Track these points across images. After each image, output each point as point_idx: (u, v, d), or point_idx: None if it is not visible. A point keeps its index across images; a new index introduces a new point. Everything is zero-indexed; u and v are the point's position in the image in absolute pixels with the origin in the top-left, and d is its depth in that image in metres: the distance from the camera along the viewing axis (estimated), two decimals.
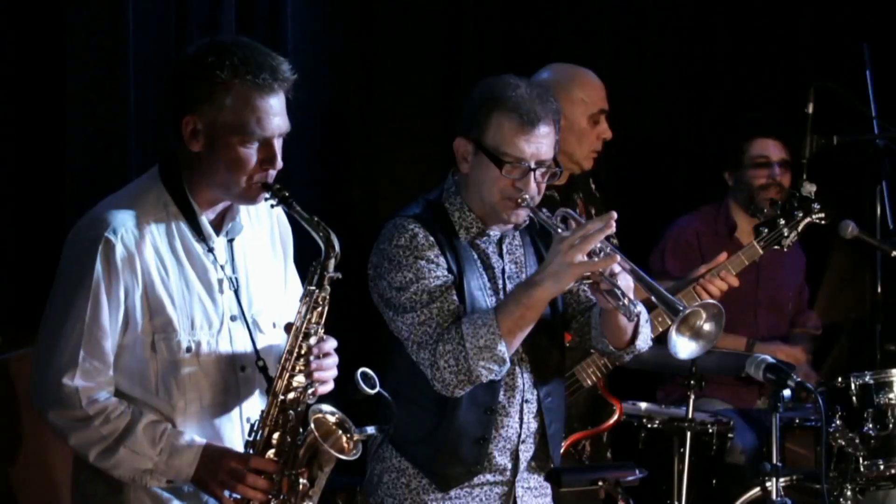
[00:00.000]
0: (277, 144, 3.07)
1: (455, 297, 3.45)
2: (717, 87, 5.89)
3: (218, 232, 3.15)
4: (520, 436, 3.57)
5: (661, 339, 3.70)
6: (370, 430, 3.13)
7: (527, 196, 3.44)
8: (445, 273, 3.47)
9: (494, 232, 3.57)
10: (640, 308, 3.46)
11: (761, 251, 4.39)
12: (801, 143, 4.82)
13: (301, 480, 3.06)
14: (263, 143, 3.05)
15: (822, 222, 4.39)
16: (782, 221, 4.35)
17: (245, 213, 3.23)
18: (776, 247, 4.38)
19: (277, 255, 3.30)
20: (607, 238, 3.36)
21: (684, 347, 3.37)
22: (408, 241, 3.47)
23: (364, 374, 3.11)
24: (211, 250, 3.12)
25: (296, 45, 4.72)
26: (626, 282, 3.36)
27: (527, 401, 3.57)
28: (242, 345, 3.13)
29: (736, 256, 4.38)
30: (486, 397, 3.50)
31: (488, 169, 3.47)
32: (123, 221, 3.03)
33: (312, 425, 3.04)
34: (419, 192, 3.66)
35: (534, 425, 3.60)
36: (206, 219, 3.12)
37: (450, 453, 3.51)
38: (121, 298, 3.02)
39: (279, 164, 3.08)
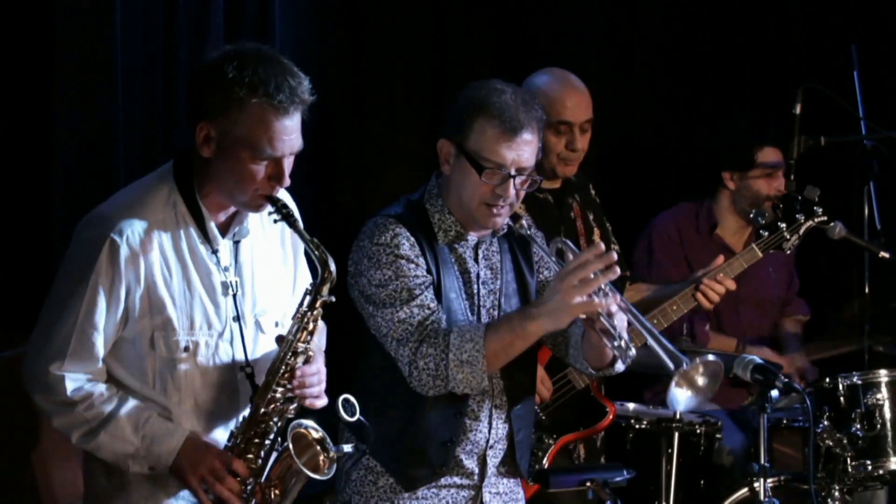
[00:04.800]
0: (287, 162, 3.09)
1: (434, 297, 3.44)
2: (706, 87, 5.88)
3: (224, 234, 3.17)
4: (488, 441, 3.55)
5: None
6: (347, 448, 3.20)
7: (505, 203, 3.43)
8: (424, 273, 3.46)
9: (472, 237, 3.56)
10: (634, 351, 3.38)
11: (760, 255, 4.38)
12: (789, 144, 4.82)
13: (274, 492, 3.09)
14: (273, 161, 3.07)
15: (825, 226, 4.38)
16: (783, 225, 4.33)
17: (255, 215, 3.24)
18: (775, 250, 4.38)
19: (287, 258, 3.33)
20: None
21: (682, 399, 3.39)
22: (388, 239, 3.45)
23: (346, 401, 3.16)
24: (215, 252, 3.15)
25: (284, 48, 4.70)
26: (621, 322, 3.32)
27: (496, 406, 3.55)
28: (245, 349, 3.18)
29: (735, 259, 4.37)
30: (456, 400, 3.48)
31: (469, 173, 3.45)
32: (130, 223, 3.06)
33: (290, 441, 3.08)
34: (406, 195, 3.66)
35: (502, 431, 3.57)
36: (213, 223, 3.14)
37: (417, 454, 3.49)
38: (121, 297, 3.06)
39: (286, 181, 3.10)
